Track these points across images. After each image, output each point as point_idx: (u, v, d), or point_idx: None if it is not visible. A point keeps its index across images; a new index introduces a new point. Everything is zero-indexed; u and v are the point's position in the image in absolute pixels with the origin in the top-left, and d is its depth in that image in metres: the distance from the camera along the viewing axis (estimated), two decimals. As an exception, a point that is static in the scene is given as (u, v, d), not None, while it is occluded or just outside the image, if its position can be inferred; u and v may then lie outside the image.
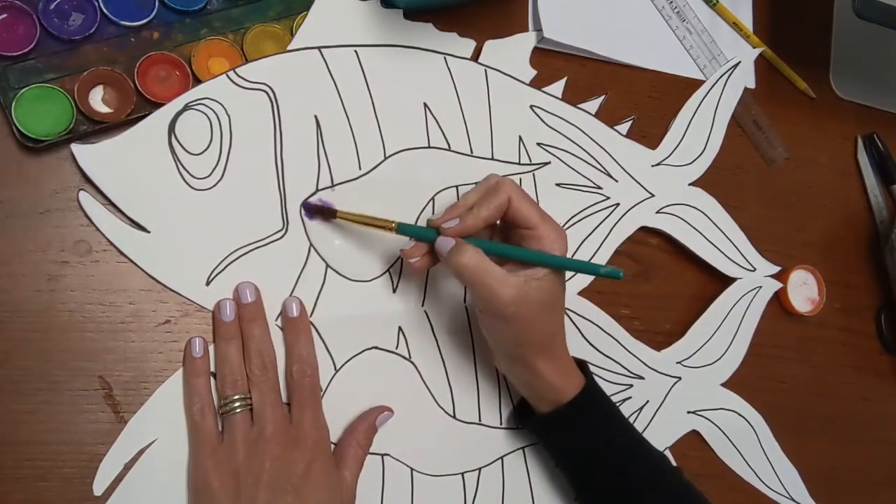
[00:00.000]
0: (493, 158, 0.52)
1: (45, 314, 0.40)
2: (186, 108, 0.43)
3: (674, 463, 0.48)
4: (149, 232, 0.42)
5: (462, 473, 0.49)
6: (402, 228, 0.45)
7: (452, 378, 0.49)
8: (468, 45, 0.52)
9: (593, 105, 0.56)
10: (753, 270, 0.61)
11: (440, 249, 0.44)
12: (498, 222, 0.46)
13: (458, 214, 0.44)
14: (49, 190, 0.41)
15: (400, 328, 0.48)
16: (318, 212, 0.46)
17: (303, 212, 0.46)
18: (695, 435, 0.58)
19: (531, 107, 0.54)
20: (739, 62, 0.61)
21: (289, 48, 0.46)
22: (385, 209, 0.48)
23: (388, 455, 0.47)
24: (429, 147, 0.50)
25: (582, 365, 0.48)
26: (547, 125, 0.54)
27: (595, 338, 0.55)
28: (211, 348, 0.43)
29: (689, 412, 0.58)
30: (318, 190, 0.46)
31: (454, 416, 0.49)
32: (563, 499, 0.52)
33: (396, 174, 0.49)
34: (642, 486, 0.46)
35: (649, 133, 0.59)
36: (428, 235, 0.45)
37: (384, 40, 0.49)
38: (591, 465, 0.47)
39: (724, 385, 0.59)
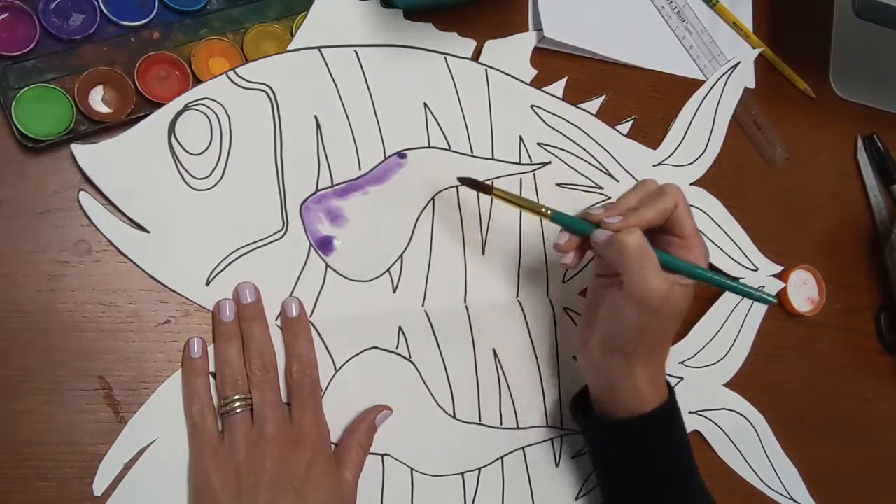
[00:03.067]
0: (493, 158, 0.52)
1: (45, 314, 0.40)
2: (186, 108, 0.43)
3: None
4: (149, 232, 0.42)
5: (462, 473, 0.49)
6: (557, 217, 0.45)
7: (452, 378, 0.49)
8: (468, 45, 0.52)
9: (594, 105, 0.56)
10: (756, 270, 0.61)
11: (597, 239, 0.44)
12: None
13: (621, 212, 0.44)
14: (49, 190, 0.41)
15: (400, 328, 0.48)
16: (475, 185, 0.46)
17: (457, 182, 0.46)
18: (696, 435, 0.58)
19: (532, 107, 0.54)
20: (739, 62, 0.61)
21: (289, 48, 0.46)
22: (385, 209, 0.48)
23: (388, 455, 0.47)
24: (429, 147, 0.50)
25: (669, 384, 0.47)
26: (547, 125, 0.54)
27: (595, 338, 0.54)
28: (210, 348, 0.43)
29: (690, 412, 0.57)
30: (318, 190, 0.46)
31: (454, 416, 0.49)
32: (564, 499, 0.52)
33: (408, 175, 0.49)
34: None
35: (650, 133, 0.59)
36: (585, 228, 0.44)
37: (384, 40, 0.49)
38: (642, 483, 0.46)
39: (725, 385, 0.59)
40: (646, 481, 0.46)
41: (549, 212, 0.45)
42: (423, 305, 0.49)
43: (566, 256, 0.46)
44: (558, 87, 0.55)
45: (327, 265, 0.46)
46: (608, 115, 0.57)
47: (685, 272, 0.44)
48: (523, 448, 0.51)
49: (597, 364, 0.47)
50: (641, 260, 0.42)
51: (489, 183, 0.45)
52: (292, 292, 0.45)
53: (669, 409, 0.46)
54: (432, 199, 0.50)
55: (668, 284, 0.42)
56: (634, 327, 0.43)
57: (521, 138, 0.53)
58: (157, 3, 0.43)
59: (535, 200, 0.45)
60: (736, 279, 0.46)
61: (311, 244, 0.46)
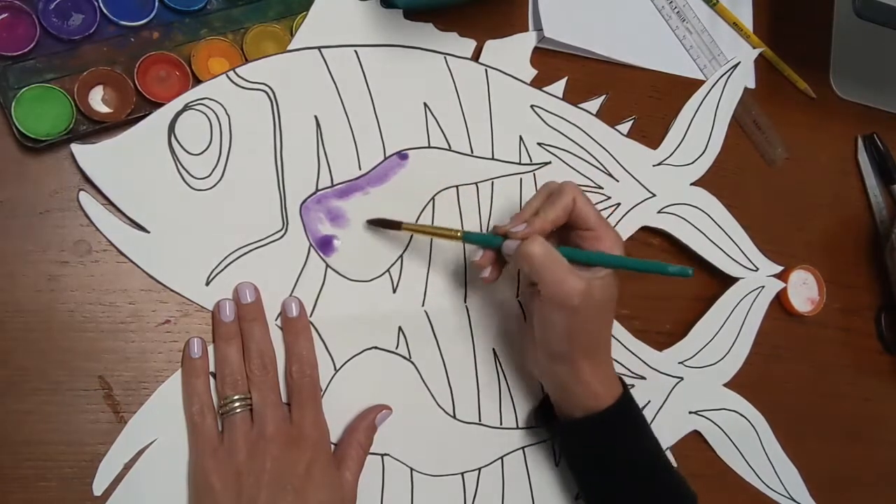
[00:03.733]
0: (493, 158, 0.52)
1: (45, 314, 0.40)
2: (186, 108, 0.43)
3: (692, 489, 0.48)
4: (149, 232, 0.42)
5: (462, 473, 0.49)
6: (468, 237, 0.46)
7: (452, 378, 0.49)
8: (468, 45, 0.52)
9: (594, 105, 0.56)
10: (756, 270, 0.61)
11: (508, 251, 0.45)
12: None
13: (525, 220, 0.45)
14: (49, 190, 0.41)
15: (400, 328, 0.48)
16: (382, 224, 0.47)
17: (365, 225, 0.47)
18: (696, 435, 0.58)
19: (532, 106, 0.54)
20: (739, 62, 0.61)
21: (289, 48, 0.46)
22: (385, 209, 0.48)
23: (388, 455, 0.47)
24: (429, 147, 0.50)
25: (622, 379, 0.48)
26: (548, 125, 0.54)
27: (595, 338, 0.54)
28: (210, 348, 0.43)
29: (690, 412, 0.57)
30: (318, 190, 0.46)
31: (454, 416, 0.49)
32: (564, 499, 0.52)
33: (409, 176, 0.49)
34: None
35: (650, 133, 0.59)
36: (494, 242, 0.45)
37: (384, 40, 0.49)
38: (611, 478, 0.47)
39: (725, 385, 0.59)
40: (614, 476, 0.47)
41: (458, 234, 0.46)
42: (423, 305, 0.49)
43: (484, 271, 0.46)
44: (558, 87, 0.55)
45: (327, 265, 0.46)
46: (608, 115, 0.57)
47: (597, 262, 0.44)
48: (523, 448, 0.51)
49: (544, 371, 0.48)
50: (550, 265, 0.42)
51: (398, 221, 0.46)
52: (292, 292, 0.45)
53: (625, 403, 0.46)
54: (432, 199, 0.50)
55: (584, 282, 0.42)
56: (563, 331, 0.44)
57: (521, 138, 0.53)
58: (157, 3, 0.43)
59: (447, 227, 0.47)
60: (650, 262, 0.46)
61: (310, 244, 0.46)
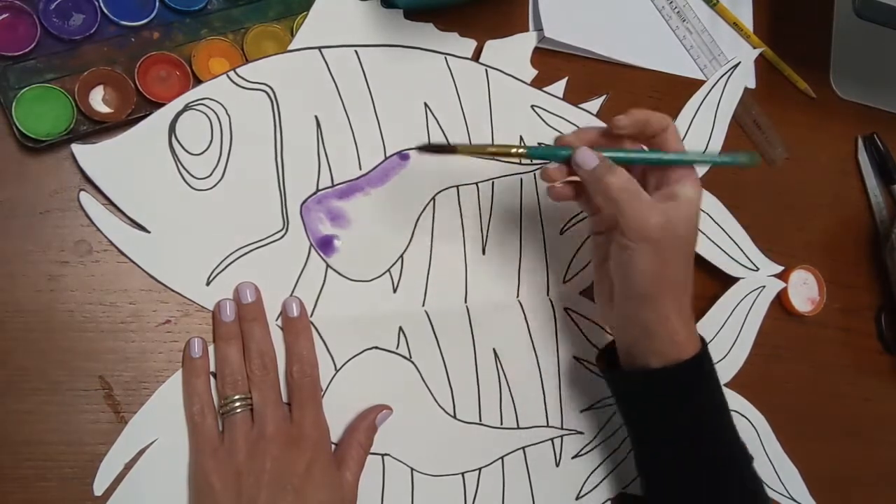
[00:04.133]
0: (494, 158, 0.52)
1: (45, 314, 0.40)
2: (187, 108, 0.43)
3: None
4: (149, 232, 0.42)
5: (462, 473, 0.49)
6: (532, 152, 0.44)
7: (453, 378, 0.49)
8: (469, 45, 0.52)
9: (594, 105, 0.56)
10: (756, 270, 0.61)
11: (582, 162, 0.42)
12: None
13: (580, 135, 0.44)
14: (49, 190, 0.41)
15: (400, 328, 0.48)
16: (436, 149, 0.45)
17: (418, 151, 0.44)
18: (695, 435, 0.58)
19: (532, 107, 0.54)
20: (740, 62, 0.61)
21: (289, 48, 0.46)
22: (385, 209, 0.48)
23: (388, 455, 0.47)
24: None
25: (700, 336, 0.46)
26: (548, 125, 0.54)
27: (597, 337, 0.54)
28: (210, 348, 0.43)
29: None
30: (318, 190, 0.46)
31: (454, 416, 0.49)
32: (564, 499, 0.52)
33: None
34: (726, 470, 0.45)
35: (650, 133, 0.59)
36: (562, 154, 0.43)
37: (384, 40, 0.49)
38: (683, 432, 0.45)
39: (725, 385, 0.59)
40: (682, 432, 0.45)
41: (522, 150, 0.44)
42: (423, 305, 0.49)
43: (556, 184, 0.45)
44: (558, 87, 0.55)
45: (328, 265, 0.46)
46: (608, 115, 0.56)
47: (676, 162, 0.43)
48: (524, 448, 0.51)
49: (625, 318, 0.45)
50: (630, 197, 0.41)
51: (453, 145, 0.44)
52: (293, 292, 0.45)
53: (705, 358, 0.45)
54: (433, 199, 0.50)
55: (665, 215, 0.41)
56: (647, 268, 0.42)
57: (521, 138, 0.53)
58: (157, 3, 0.43)
59: (505, 143, 0.44)
60: (727, 153, 0.45)
61: (311, 244, 0.46)
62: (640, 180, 0.44)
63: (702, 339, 0.46)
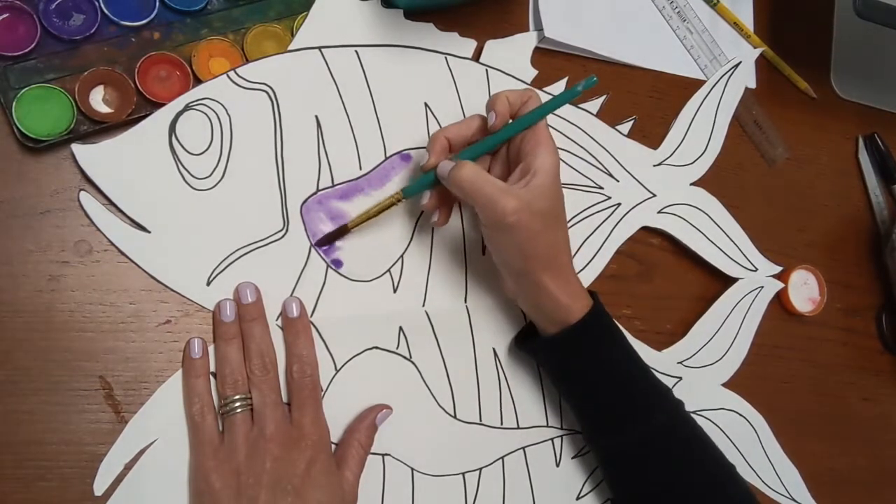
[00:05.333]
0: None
1: (45, 314, 0.40)
2: (187, 108, 0.43)
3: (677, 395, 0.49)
4: (149, 232, 0.42)
5: (463, 473, 0.49)
6: (407, 191, 0.46)
7: (453, 378, 0.49)
8: (469, 45, 0.52)
9: (595, 105, 0.56)
10: (755, 270, 0.61)
11: (442, 174, 0.44)
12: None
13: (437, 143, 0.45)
14: (49, 190, 0.41)
15: (400, 328, 0.48)
16: (333, 238, 0.46)
17: (320, 252, 0.46)
18: (695, 435, 0.58)
19: (532, 107, 0.54)
20: (740, 62, 0.61)
21: (289, 48, 0.46)
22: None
23: (388, 455, 0.47)
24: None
25: (591, 292, 0.48)
26: (548, 125, 0.54)
27: (596, 338, 0.54)
28: (210, 349, 0.43)
29: (690, 412, 0.57)
30: (318, 190, 0.46)
31: (455, 416, 0.49)
32: (564, 499, 0.52)
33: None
34: (646, 410, 0.47)
35: (650, 133, 0.59)
36: (428, 179, 0.45)
37: (385, 40, 0.49)
38: (594, 388, 0.47)
39: (724, 385, 0.59)
40: (593, 387, 0.47)
41: (399, 196, 0.46)
42: (423, 305, 0.49)
43: (433, 216, 0.47)
44: (559, 87, 0.55)
45: (328, 265, 0.46)
46: (609, 115, 0.57)
47: (522, 127, 0.44)
48: (524, 448, 0.51)
49: (517, 295, 0.48)
50: (480, 186, 0.42)
51: (344, 225, 0.46)
52: (293, 292, 0.45)
53: (596, 315, 0.46)
54: (433, 198, 0.50)
55: (519, 198, 0.42)
56: (515, 249, 0.44)
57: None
58: (157, 3, 0.43)
59: (385, 198, 0.47)
60: (556, 97, 0.46)
61: (311, 244, 0.46)
62: (509, 168, 0.46)
63: (593, 295, 0.47)
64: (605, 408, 0.48)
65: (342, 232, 0.46)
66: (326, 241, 0.46)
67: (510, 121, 0.45)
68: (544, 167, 0.44)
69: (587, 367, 0.47)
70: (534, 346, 0.49)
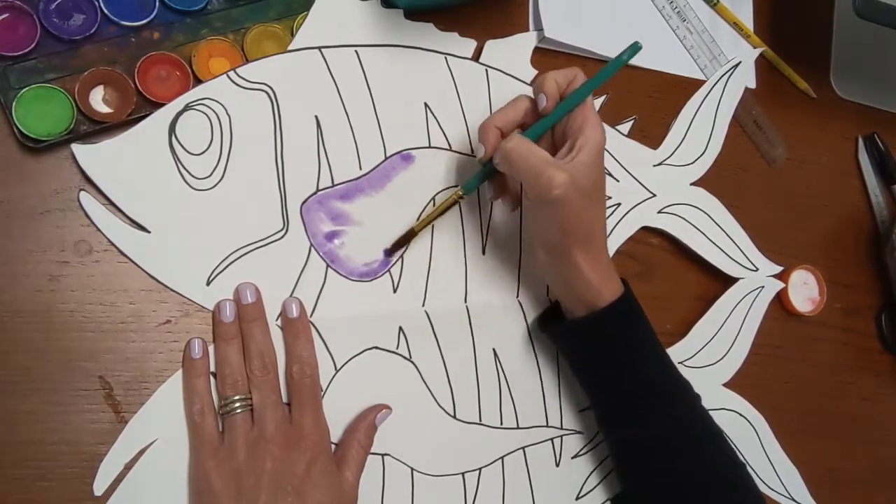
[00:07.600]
0: (493, 158, 0.52)
1: (45, 314, 0.40)
2: (187, 108, 0.43)
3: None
4: (149, 232, 0.42)
5: (462, 473, 0.49)
6: (466, 187, 0.47)
7: (453, 378, 0.49)
8: (469, 45, 0.52)
9: (594, 105, 0.56)
10: (756, 270, 0.61)
11: (497, 162, 0.45)
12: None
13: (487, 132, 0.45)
14: (49, 190, 0.41)
15: (400, 328, 0.48)
16: (401, 244, 0.48)
17: (387, 252, 0.48)
18: (695, 435, 0.58)
19: (532, 107, 0.54)
20: (740, 62, 0.61)
21: (289, 48, 0.46)
22: (386, 209, 0.48)
23: (388, 455, 0.47)
24: (429, 147, 0.50)
25: (622, 279, 0.47)
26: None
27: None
28: (211, 349, 0.43)
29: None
30: (318, 190, 0.46)
31: (454, 417, 0.49)
32: (564, 499, 0.52)
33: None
34: (665, 404, 0.47)
35: (650, 133, 0.59)
36: (488, 170, 0.46)
37: (385, 40, 0.49)
38: (617, 377, 0.47)
39: (725, 385, 0.59)
40: (615, 376, 0.47)
41: (459, 192, 0.47)
42: (423, 305, 0.49)
43: (504, 202, 0.48)
44: (559, 86, 0.55)
45: (328, 265, 0.46)
46: (608, 115, 0.57)
47: (573, 105, 0.45)
48: (523, 448, 0.51)
49: (547, 271, 0.48)
50: (528, 158, 0.43)
51: (410, 230, 0.47)
52: (293, 292, 0.45)
53: (627, 301, 0.46)
54: (433, 199, 0.50)
55: (566, 171, 0.42)
56: (554, 223, 0.44)
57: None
58: (157, 3, 0.43)
59: (444, 201, 0.48)
60: (613, 60, 0.47)
61: (311, 244, 0.46)
62: (555, 147, 0.46)
63: (624, 282, 0.47)
64: (625, 397, 0.47)
65: (409, 237, 0.47)
66: (394, 249, 0.48)
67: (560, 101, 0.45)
68: (590, 143, 0.44)
69: (613, 354, 0.46)
70: (558, 329, 0.49)
